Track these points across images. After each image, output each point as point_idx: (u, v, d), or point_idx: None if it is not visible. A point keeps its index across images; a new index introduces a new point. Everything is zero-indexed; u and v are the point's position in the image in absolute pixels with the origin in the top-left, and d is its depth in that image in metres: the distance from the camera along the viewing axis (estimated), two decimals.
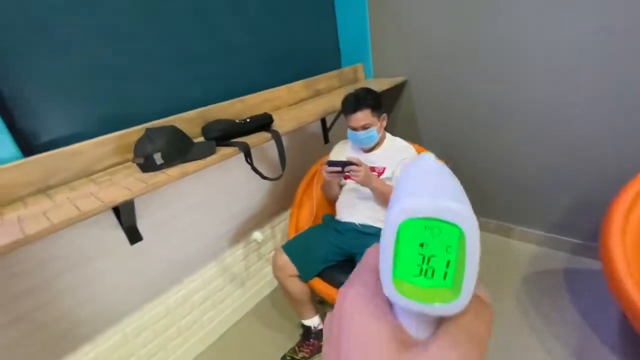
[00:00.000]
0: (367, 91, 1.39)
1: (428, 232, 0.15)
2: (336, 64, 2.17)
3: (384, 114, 1.44)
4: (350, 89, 1.92)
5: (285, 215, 1.89)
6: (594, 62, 1.44)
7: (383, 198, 1.37)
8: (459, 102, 1.87)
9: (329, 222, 1.54)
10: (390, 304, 0.17)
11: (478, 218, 0.15)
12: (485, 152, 1.89)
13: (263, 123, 1.31)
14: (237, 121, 1.28)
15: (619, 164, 1.52)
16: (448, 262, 0.15)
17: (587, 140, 1.57)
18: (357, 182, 1.31)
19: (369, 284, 0.17)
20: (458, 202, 0.15)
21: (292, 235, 1.57)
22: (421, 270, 0.16)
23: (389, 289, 0.16)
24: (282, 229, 1.91)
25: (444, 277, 0.15)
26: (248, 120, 1.30)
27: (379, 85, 1.91)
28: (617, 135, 1.49)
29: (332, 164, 1.28)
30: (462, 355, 0.14)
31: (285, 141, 1.42)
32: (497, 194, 1.94)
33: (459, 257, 0.15)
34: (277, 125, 1.39)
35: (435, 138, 2.05)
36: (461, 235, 0.15)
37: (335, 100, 1.72)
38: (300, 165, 1.88)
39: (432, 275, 0.16)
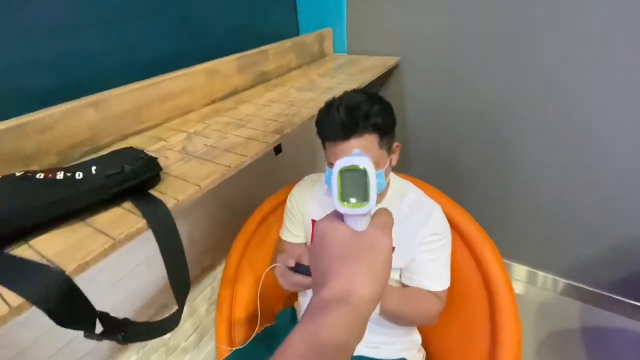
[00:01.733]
0: (372, 99, 0.69)
1: (353, 174, 0.31)
2: (291, 28, 1.38)
3: (397, 142, 0.76)
4: (315, 71, 1.19)
5: (210, 277, 1.18)
6: None
7: (396, 317, 0.73)
8: (474, 105, 1.26)
9: (286, 327, 0.87)
10: (342, 219, 0.32)
11: None
12: (496, 171, 1.35)
13: (135, 183, 0.54)
14: (60, 178, 0.50)
15: None
16: (365, 190, 0.31)
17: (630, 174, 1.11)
18: None
19: (331, 215, 0.33)
20: (363, 158, 0.31)
21: (222, 351, 0.88)
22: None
23: (339, 207, 0.30)
24: (206, 297, 1.20)
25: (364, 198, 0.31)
26: (93, 169, 0.52)
27: (358, 66, 1.21)
28: None
29: (299, 269, 0.59)
30: (382, 230, 0.31)
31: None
32: (505, 224, 1.44)
33: (368, 185, 0.30)
34: (171, 176, 0.63)
35: (429, 159, 1.44)
36: (366, 173, 0.30)
37: (296, 96, 0.99)
38: (232, 197, 1.15)
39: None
